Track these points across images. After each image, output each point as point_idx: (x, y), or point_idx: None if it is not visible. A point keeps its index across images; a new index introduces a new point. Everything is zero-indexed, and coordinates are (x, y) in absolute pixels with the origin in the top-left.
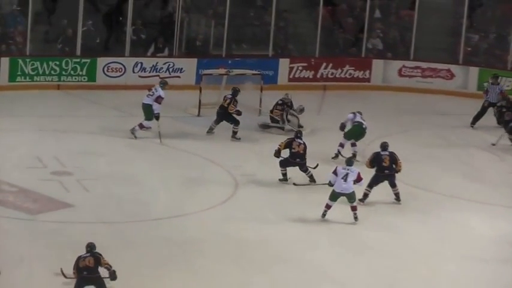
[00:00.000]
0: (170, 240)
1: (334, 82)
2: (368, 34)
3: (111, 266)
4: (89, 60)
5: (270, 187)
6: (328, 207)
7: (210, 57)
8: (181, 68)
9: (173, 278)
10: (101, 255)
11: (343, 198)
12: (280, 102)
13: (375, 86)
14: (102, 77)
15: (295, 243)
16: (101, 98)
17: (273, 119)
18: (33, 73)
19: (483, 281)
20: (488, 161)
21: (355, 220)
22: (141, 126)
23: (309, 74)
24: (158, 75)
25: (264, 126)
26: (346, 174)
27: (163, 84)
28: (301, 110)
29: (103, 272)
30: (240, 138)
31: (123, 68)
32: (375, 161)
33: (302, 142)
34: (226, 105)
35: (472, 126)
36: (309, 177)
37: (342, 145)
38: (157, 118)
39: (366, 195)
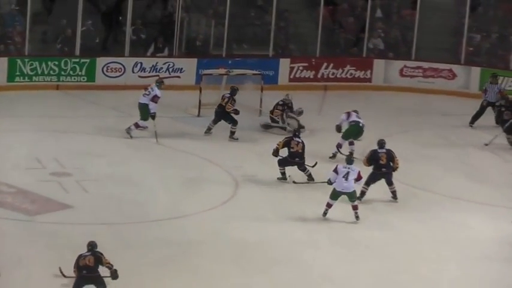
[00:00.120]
0: (170, 241)
1: (335, 82)
2: (369, 34)
3: (112, 265)
4: (88, 60)
5: (270, 187)
6: (329, 206)
7: (210, 57)
8: (181, 68)
9: (173, 279)
10: (102, 254)
11: (344, 197)
12: (281, 102)
13: (376, 86)
14: (102, 77)
15: (296, 244)
16: (100, 99)
17: (273, 120)
18: (32, 73)
19: (485, 282)
20: (490, 161)
21: (357, 219)
22: (136, 125)
23: (310, 74)
24: (158, 76)
25: (266, 127)
26: (347, 173)
27: (160, 84)
28: (300, 113)
29: (104, 271)
30: (237, 139)
31: (122, 68)
32: (372, 158)
33: (300, 141)
34: (224, 104)
35: (471, 126)
36: (307, 176)
37: (339, 145)
38: (153, 118)
39: (363, 193)
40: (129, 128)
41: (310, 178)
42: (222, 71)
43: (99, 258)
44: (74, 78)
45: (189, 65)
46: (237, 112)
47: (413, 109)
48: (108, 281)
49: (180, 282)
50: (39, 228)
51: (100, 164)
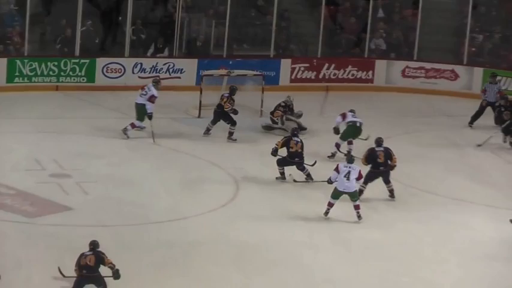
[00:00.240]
0: (170, 243)
1: (336, 83)
2: (371, 34)
3: (114, 265)
4: (88, 61)
5: (270, 188)
6: (330, 205)
7: (211, 58)
8: (182, 69)
9: (173, 281)
10: (104, 254)
11: (345, 197)
12: (282, 104)
13: (378, 86)
14: (102, 78)
15: (296, 245)
16: (100, 99)
17: (273, 121)
18: (31, 74)
19: (486, 283)
20: (492, 162)
21: (359, 219)
22: (132, 126)
23: (311, 74)
24: (158, 76)
25: (268, 128)
26: (349, 172)
27: (156, 83)
28: (299, 116)
29: (106, 271)
30: (236, 140)
31: (122, 69)
32: (370, 157)
33: (299, 140)
34: (222, 104)
35: (470, 126)
36: (306, 175)
37: (338, 145)
38: (150, 118)
39: (361, 192)
40: (125, 128)
41: (309, 177)
42: (223, 71)
43: (101, 259)
44: (74, 79)
45: (190, 65)
46: (235, 112)
47: (415, 110)
48: (108, 281)
49: (181, 284)
50: (39, 230)
51: (100, 165)
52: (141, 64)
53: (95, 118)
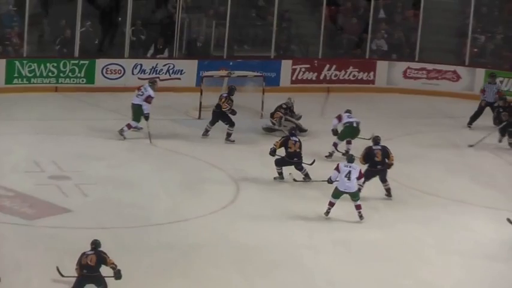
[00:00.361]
0: (170, 245)
1: (337, 84)
2: (372, 35)
3: (116, 266)
4: (87, 62)
5: (271, 190)
6: (331, 205)
7: (211, 59)
8: (182, 70)
9: (174, 283)
10: (105, 254)
11: (346, 196)
12: (284, 106)
13: (380, 88)
14: (101, 79)
15: (297, 247)
16: (99, 101)
17: (273, 122)
18: (30, 75)
19: (487, 285)
20: (493, 163)
21: (360, 219)
22: (129, 126)
23: (312, 75)
24: (158, 77)
25: (268, 130)
26: (349, 172)
27: (153, 84)
28: (299, 118)
29: (107, 270)
30: (234, 141)
31: (122, 70)
32: (368, 156)
33: (297, 140)
34: (221, 104)
35: (469, 127)
36: (304, 175)
37: (335, 145)
38: (146, 118)
39: (358, 190)
40: (121, 129)
41: (307, 177)
42: (223, 72)
43: (102, 259)
44: (73, 80)
45: (190, 66)
46: (233, 112)
47: (417, 111)
48: (108, 281)
49: (181, 286)
50: (38, 233)
51: (99, 167)
52: (141, 65)
53: (95, 119)
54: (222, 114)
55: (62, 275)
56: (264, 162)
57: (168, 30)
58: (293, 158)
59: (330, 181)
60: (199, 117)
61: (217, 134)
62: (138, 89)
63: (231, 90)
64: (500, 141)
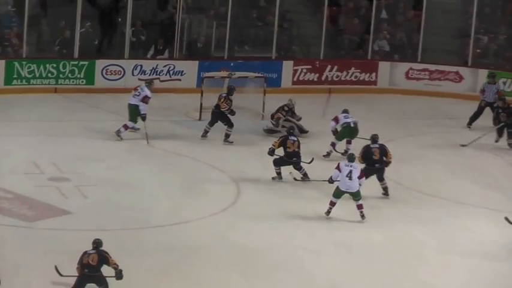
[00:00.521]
0: (170, 247)
1: (339, 85)
2: (374, 35)
3: (118, 266)
4: (87, 63)
5: (271, 191)
6: (332, 204)
7: (212, 60)
8: (182, 71)
9: (174, 285)
10: (107, 254)
11: (346, 195)
12: (286, 108)
13: (381, 89)
14: (101, 80)
15: (298, 249)
16: (99, 102)
17: (272, 123)
18: (29, 76)
19: (489, 287)
20: (495, 164)
21: (362, 218)
22: (125, 127)
23: (314, 76)
24: (158, 78)
25: (269, 131)
26: (350, 171)
27: (149, 84)
28: (298, 120)
29: (108, 270)
30: (232, 142)
31: (122, 71)
32: (366, 154)
33: (296, 139)
34: (220, 104)
35: (469, 127)
36: (302, 175)
37: (333, 144)
38: (143, 119)
39: None
40: (118, 130)
41: (306, 177)
42: (224, 73)
43: (104, 258)
44: (73, 81)
45: (190, 67)
46: (232, 113)
47: (419, 112)
48: (109, 281)
49: None
50: (37, 235)
51: (99, 168)
52: (141, 66)
53: (94, 121)
54: (220, 115)
55: (61, 274)
56: (265, 163)
57: (168, 31)
58: (292, 158)
59: (331, 181)
60: (199, 119)
61: (218, 135)
62: (135, 89)
63: (230, 90)
64: (496, 141)
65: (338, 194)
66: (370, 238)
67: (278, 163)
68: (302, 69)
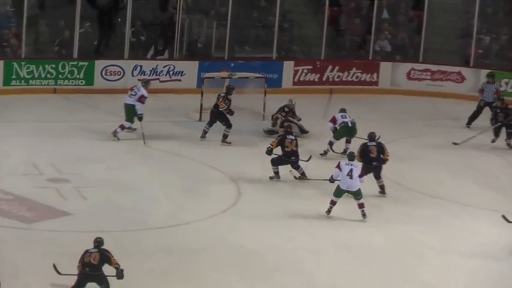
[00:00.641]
0: (170, 249)
1: (340, 85)
2: (375, 36)
3: (119, 265)
4: (86, 63)
5: (271, 192)
6: (333, 203)
7: (212, 60)
8: (182, 71)
9: (174, 287)
10: (109, 253)
11: (347, 195)
12: (286, 109)
13: (383, 89)
14: (100, 81)
15: (298, 250)
16: (99, 103)
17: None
18: (28, 77)
19: None
20: (498, 165)
21: (363, 217)
22: (122, 127)
23: (315, 77)
24: (158, 79)
25: (270, 132)
26: (351, 170)
27: (146, 84)
28: (298, 121)
29: (109, 269)
30: (230, 143)
31: (121, 71)
32: (363, 152)
33: (294, 138)
34: (218, 103)
35: (468, 127)
36: (300, 174)
37: (331, 143)
38: (140, 119)
39: None
40: (115, 130)
41: (304, 176)
42: (224, 74)
43: (106, 258)
44: (72, 82)
45: (190, 68)
46: (231, 112)
47: (421, 113)
48: (109, 280)
49: None
50: (37, 236)
51: (98, 169)
52: (141, 66)
53: (94, 121)
54: (219, 114)
55: (59, 273)
56: (265, 164)
57: (168, 31)
58: (290, 157)
59: (331, 180)
60: (199, 119)
61: (218, 136)
62: (131, 89)
63: (228, 90)
64: (493, 141)
65: (339, 193)
66: (370, 239)
67: (276, 162)
68: (303, 69)
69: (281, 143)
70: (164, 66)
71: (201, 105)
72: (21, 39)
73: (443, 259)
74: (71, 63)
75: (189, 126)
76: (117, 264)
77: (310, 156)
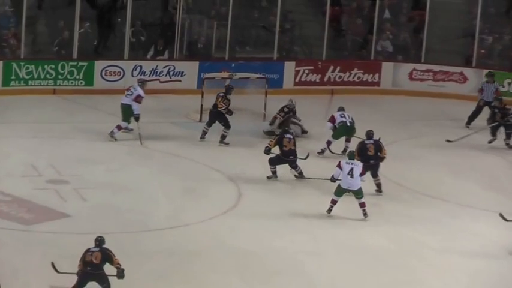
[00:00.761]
0: (170, 251)
1: (341, 86)
2: (377, 36)
3: (120, 265)
4: (86, 64)
5: (272, 192)
6: (333, 202)
7: (212, 60)
8: (183, 72)
9: None
10: (111, 252)
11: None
12: (286, 110)
13: (385, 90)
14: (100, 81)
15: (299, 252)
16: (98, 103)
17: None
18: (27, 77)
19: None
20: (498, 166)
21: (365, 217)
22: (119, 128)
23: (316, 77)
24: (158, 79)
25: (270, 133)
26: (351, 169)
27: (142, 83)
28: (299, 121)
29: (110, 269)
30: (228, 143)
31: (121, 72)
32: (361, 150)
33: (292, 137)
34: (217, 103)
35: (468, 127)
36: (298, 173)
37: (329, 142)
38: (137, 119)
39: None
40: (112, 131)
41: (301, 175)
42: (225, 74)
43: (108, 257)
44: (71, 82)
45: (191, 68)
46: (229, 112)
47: (422, 114)
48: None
49: None
50: (36, 238)
51: (98, 171)
52: (141, 67)
53: (93, 122)
54: (218, 114)
55: (57, 271)
56: (265, 164)
57: (168, 31)
58: (288, 156)
59: (333, 179)
60: (200, 120)
61: (218, 137)
62: (128, 89)
63: (228, 90)
64: (490, 141)
65: (339, 192)
66: (371, 240)
67: (274, 162)
68: (304, 70)
69: (279, 142)
70: (164, 67)
71: (202, 106)
72: (20, 39)
73: (444, 259)
74: (70, 63)
75: (189, 127)
76: (118, 263)
77: (308, 154)
